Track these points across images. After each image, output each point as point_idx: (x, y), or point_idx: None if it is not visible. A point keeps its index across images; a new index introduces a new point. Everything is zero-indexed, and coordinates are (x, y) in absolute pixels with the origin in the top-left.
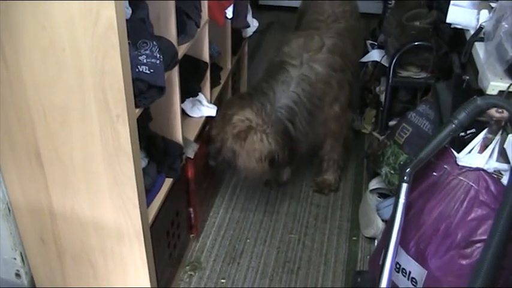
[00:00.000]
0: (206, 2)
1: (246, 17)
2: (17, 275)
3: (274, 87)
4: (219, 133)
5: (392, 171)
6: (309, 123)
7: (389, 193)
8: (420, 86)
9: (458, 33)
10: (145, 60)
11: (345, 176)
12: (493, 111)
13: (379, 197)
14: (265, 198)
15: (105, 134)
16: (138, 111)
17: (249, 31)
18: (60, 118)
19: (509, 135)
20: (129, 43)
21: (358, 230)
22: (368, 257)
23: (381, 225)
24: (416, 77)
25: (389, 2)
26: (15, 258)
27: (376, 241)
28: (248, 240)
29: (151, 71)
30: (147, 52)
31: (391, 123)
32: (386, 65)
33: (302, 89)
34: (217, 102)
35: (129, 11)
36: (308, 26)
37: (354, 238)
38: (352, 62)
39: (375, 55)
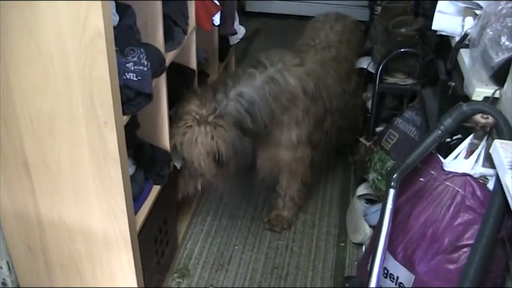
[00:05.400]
0: (193, 8)
1: (233, 24)
2: (3, 283)
3: (239, 78)
4: (174, 132)
5: (379, 177)
6: (271, 121)
7: (376, 199)
8: (406, 92)
9: (444, 40)
10: (132, 68)
11: (332, 182)
12: (478, 117)
13: (366, 202)
14: (253, 205)
15: (92, 141)
16: (125, 118)
17: (236, 38)
18: (48, 125)
19: (495, 141)
20: (116, 50)
21: (345, 235)
22: (356, 262)
23: (368, 231)
24: (403, 83)
25: (376, 9)
26: (1, 267)
27: (363, 247)
28: (236, 247)
29: (139, 78)
30: (135, 59)
31: (378, 129)
32: (373, 71)
33: (269, 88)
34: None
35: (117, 18)
36: (296, 49)
37: (342, 244)
38: (330, 96)
39: (361, 62)
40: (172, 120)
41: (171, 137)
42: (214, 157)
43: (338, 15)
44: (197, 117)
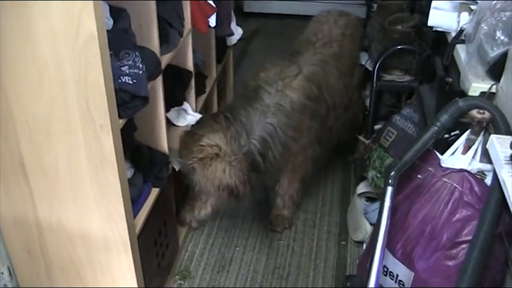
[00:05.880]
0: (189, 10)
1: (229, 25)
2: None
3: (251, 115)
4: (185, 150)
5: (378, 175)
6: (282, 156)
7: (376, 197)
8: (404, 89)
9: (440, 36)
10: (128, 71)
11: (332, 181)
12: (474, 112)
13: (366, 200)
14: (253, 205)
15: (89, 145)
16: (122, 122)
17: (234, 39)
18: (44, 129)
19: (491, 136)
20: (111, 54)
21: (346, 234)
22: (357, 261)
23: (369, 228)
24: (400, 80)
25: (373, 7)
26: (2, 273)
27: (364, 245)
28: (237, 248)
29: (134, 81)
30: (130, 63)
31: (377, 127)
32: (370, 69)
33: (278, 121)
34: (203, 110)
35: (111, 21)
36: (297, 47)
37: (343, 242)
38: (332, 93)
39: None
40: (186, 134)
41: (187, 156)
42: (232, 192)
43: (342, 12)
44: (221, 154)
